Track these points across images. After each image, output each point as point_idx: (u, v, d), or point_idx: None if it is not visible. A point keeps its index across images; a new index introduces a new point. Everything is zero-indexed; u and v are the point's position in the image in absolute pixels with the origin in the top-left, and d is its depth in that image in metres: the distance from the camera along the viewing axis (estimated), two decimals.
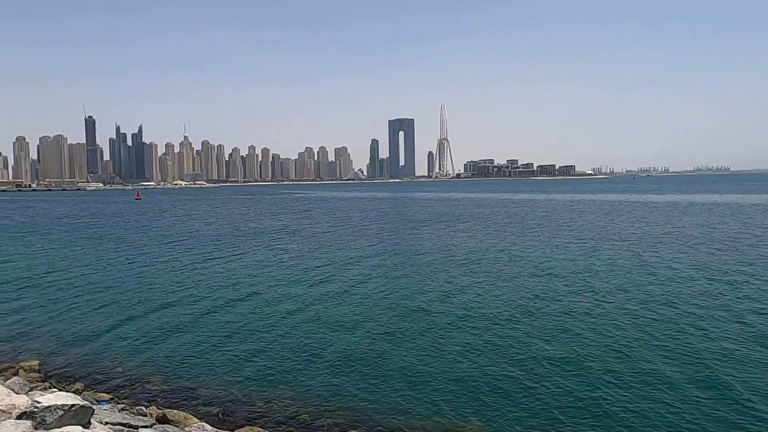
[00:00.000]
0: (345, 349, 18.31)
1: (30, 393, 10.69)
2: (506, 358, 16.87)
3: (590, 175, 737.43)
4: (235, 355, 17.99)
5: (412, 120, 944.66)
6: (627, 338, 18.30)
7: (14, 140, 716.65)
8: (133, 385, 15.88)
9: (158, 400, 14.66)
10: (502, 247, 42.23)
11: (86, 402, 8.10)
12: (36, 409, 7.07)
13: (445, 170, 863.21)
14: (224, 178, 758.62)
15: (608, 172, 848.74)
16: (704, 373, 15.07)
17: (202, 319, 22.71)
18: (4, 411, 7.28)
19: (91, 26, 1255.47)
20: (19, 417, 7.05)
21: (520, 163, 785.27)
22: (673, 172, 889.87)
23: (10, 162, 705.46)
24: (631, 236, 46.71)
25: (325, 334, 19.91)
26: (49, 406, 7.11)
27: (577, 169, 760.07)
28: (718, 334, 18.36)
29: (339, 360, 17.28)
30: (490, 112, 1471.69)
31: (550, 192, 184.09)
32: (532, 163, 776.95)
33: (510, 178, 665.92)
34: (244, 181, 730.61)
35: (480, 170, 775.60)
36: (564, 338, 18.60)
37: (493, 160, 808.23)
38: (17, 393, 8.98)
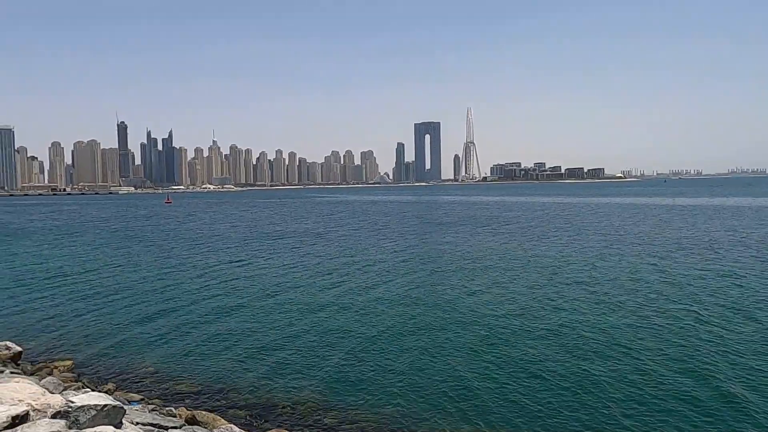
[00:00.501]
0: (370, 353, 18.32)
1: (64, 393, 10.96)
2: (522, 369, 16.63)
3: (620, 177, 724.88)
4: (261, 358, 18.16)
5: (438, 123, 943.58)
6: (644, 349, 17.84)
7: (50, 145, 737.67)
8: (163, 385, 16.15)
9: (187, 401, 14.88)
10: (521, 250, 41.81)
11: (118, 402, 8.28)
12: (70, 409, 7.25)
13: (471, 173, 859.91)
14: (252, 182, 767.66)
15: (639, 174, 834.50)
16: (722, 388, 14.51)
17: (230, 321, 22.99)
18: (39, 410, 7.48)
19: (123, 34, 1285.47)
20: (54, 416, 7.23)
21: (547, 166, 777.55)
22: (706, 175, 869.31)
23: (46, 167, 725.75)
24: (655, 241, 45.74)
25: (351, 339, 19.96)
26: (83, 406, 7.28)
27: (606, 171, 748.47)
28: (740, 347, 17.79)
29: (364, 364, 17.29)
30: (516, 115, 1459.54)
31: (577, 195, 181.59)
32: (559, 166, 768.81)
33: (537, 182, 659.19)
34: (271, 185, 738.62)
35: (507, 173, 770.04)
36: (580, 348, 18.26)
37: (519, 163, 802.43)
38: (51, 392, 9.23)
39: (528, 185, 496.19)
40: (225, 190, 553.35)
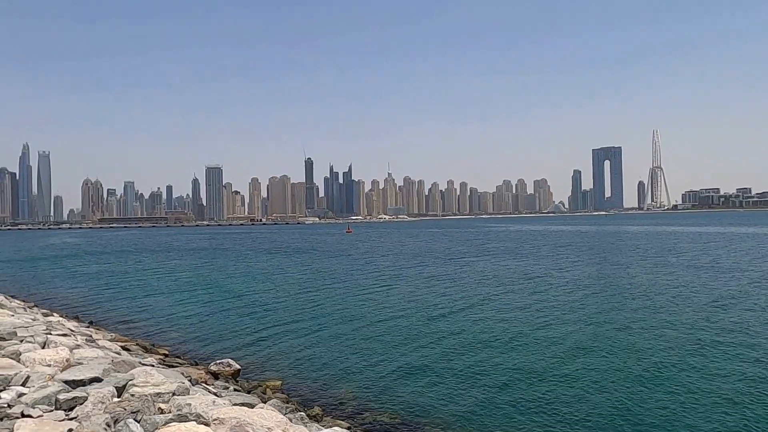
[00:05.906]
0: (574, 394, 16.91)
1: (307, 424, 11.59)
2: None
3: None
4: (457, 391, 17.73)
5: (619, 148, 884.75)
6: None
7: (249, 181, 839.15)
8: (364, 414, 16.35)
9: None
10: (696, 287, 37.49)
11: None
12: None
13: (658, 201, 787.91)
14: (424, 212, 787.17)
15: None
16: None
17: (426, 348, 22.96)
18: None
19: (307, 83, 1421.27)
20: None
21: (754, 192, 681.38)
22: None
23: (246, 200, 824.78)
24: None
25: (550, 376, 18.67)
26: None
27: None
28: None
29: (566, 404, 15.96)
30: (712, 136, 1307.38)
31: None
32: None
33: (741, 210, 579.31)
34: (443, 215, 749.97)
35: (702, 200, 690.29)
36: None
37: (718, 189, 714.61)
38: (294, 423, 9.77)
39: (730, 214, 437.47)
40: (399, 220, 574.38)
